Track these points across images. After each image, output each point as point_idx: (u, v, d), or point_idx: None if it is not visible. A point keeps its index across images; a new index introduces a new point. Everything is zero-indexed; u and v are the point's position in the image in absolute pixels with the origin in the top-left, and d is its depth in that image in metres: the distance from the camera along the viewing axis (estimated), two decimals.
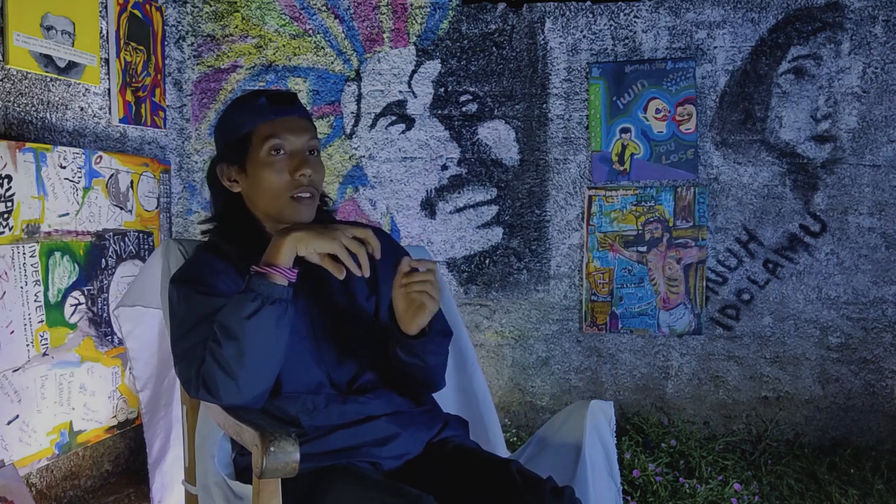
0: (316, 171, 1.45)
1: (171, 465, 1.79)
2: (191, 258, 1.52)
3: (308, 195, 1.44)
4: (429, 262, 1.36)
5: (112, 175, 2.65)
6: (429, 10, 3.14)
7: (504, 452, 1.73)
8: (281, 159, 1.43)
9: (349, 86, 3.19)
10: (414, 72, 3.16)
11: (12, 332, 2.19)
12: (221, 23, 3.19)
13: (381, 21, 3.16)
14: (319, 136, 3.15)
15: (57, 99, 2.46)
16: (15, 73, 2.27)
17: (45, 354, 2.32)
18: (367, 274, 1.32)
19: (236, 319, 1.26)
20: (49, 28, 2.36)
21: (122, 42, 2.77)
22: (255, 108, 1.45)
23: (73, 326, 2.45)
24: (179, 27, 3.20)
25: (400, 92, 3.17)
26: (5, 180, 2.14)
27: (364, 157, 3.20)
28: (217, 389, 1.29)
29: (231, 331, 1.26)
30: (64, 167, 2.40)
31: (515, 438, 2.98)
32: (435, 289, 1.35)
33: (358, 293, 1.51)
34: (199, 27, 3.20)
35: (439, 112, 3.16)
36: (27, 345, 2.25)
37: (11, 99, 2.26)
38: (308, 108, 3.16)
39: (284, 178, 1.42)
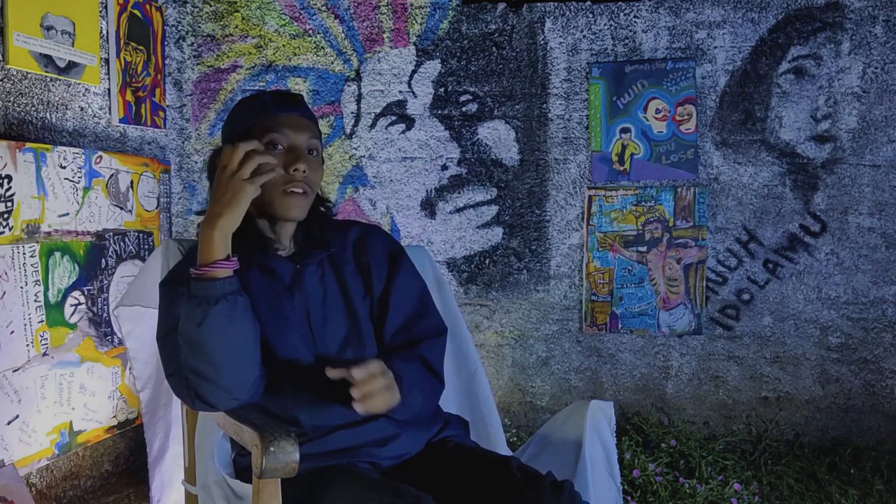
0: (312, 170, 1.43)
1: (170, 464, 1.79)
2: (182, 259, 1.52)
3: (300, 191, 1.42)
4: (364, 367, 1.28)
5: (112, 175, 2.65)
6: (429, 10, 3.14)
7: (505, 452, 1.73)
8: (277, 154, 1.42)
9: (349, 86, 3.19)
10: (414, 72, 3.16)
11: (12, 332, 2.19)
12: (221, 23, 3.19)
13: (381, 21, 3.16)
14: None
15: (57, 99, 2.46)
16: (15, 73, 2.27)
17: (45, 354, 2.32)
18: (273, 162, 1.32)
19: (190, 329, 1.24)
20: (49, 28, 2.36)
21: (122, 42, 2.77)
22: (259, 105, 1.46)
23: (73, 326, 2.45)
24: (179, 27, 3.20)
25: (400, 92, 3.17)
26: (5, 180, 2.14)
27: (364, 157, 3.20)
28: (209, 399, 1.28)
29: (191, 341, 1.25)
30: (64, 167, 2.40)
31: (515, 438, 2.98)
32: (379, 394, 1.28)
33: (353, 293, 1.51)
34: (199, 27, 3.20)
35: (439, 112, 3.16)
36: (27, 345, 2.25)
37: (11, 99, 2.26)
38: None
39: (278, 172, 1.41)
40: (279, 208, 1.43)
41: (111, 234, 2.64)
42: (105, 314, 2.60)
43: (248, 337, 1.29)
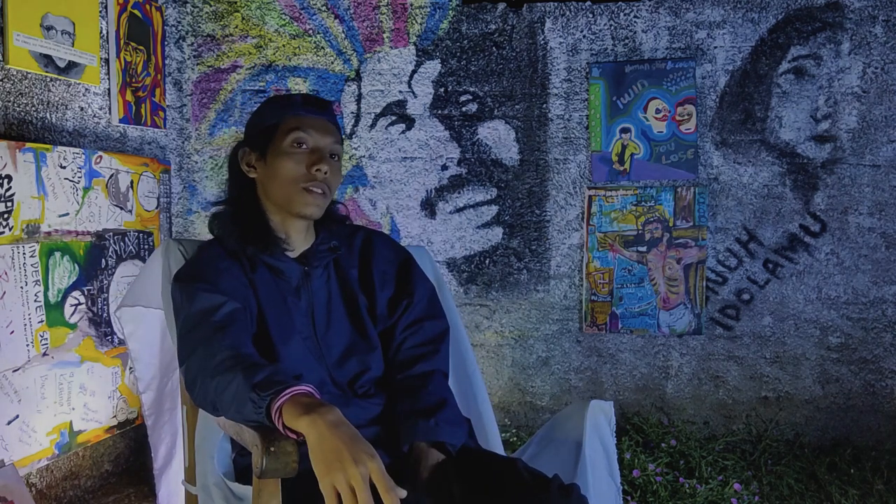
0: (333, 173, 1.46)
1: (177, 470, 1.77)
2: (193, 256, 1.53)
3: (319, 191, 1.44)
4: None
5: (112, 175, 2.65)
6: (429, 10, 3.14)
7: (501, 453, 1.73)
8: (301, 152, 1.44)
9: (349, 86, 3.19)
10: (414, 72, 3.16)
11: (12, 332, 2.19)
12: (221, 23, 3.19)
13: (381, 21, 3.16)
14: None
15: (57, 99, 2.46)
16: (15, 73, 2.27)
17: (45, 354, 2.32)
18: None
19: (232, 403, 1.19)
20: (49, 28, 2.36)
21: (122, 42, 2.77)
22: (288, 103, 1.48)
23: (73, 326, 2.45)
24: (179, 27, 3.20)
25: (400, 92, 3.17)
26: (5, 180, 2.14)
27: (364, 157, 3.20)
28: (209, 410, 1.29)
29: (225, 401, 1.21)
30: (64, 167, 2.40)
31: (515, 438, 2.98)
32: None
33: (358, 296, 1.52)
34: (199, 27, 3.20)
35: (439, 112, 3.16)
36: (27, 345, 2.25)
37: (11, 99, 2.26)
38: None
39: (301, 170, 1.43)
40: (297, 204, 1.44)
41: (111, 234, 2.64)
42: (105, 314, 2.60)
43: None
